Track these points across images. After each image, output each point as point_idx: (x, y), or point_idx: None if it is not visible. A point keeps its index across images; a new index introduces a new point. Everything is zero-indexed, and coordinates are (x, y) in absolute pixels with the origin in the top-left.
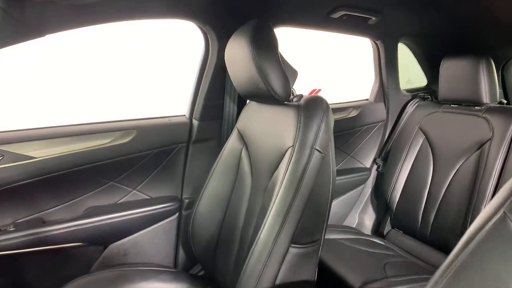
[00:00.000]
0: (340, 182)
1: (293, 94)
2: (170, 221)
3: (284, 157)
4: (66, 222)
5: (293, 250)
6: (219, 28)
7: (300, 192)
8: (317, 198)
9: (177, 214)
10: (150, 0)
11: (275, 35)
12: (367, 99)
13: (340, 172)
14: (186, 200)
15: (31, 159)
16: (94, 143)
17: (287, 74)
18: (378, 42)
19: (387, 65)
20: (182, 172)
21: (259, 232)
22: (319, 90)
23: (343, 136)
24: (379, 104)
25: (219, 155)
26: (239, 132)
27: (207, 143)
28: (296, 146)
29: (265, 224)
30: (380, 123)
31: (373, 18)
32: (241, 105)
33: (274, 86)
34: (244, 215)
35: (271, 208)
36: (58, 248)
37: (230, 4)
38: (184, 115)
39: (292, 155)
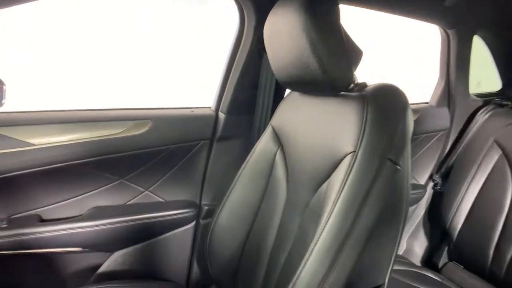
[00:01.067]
0: None
1: (354, 81)
2: (185, 230)
3: (340, 167)
4: (66, 223)
5: None
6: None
7: (363, 217)
8: (385, 227)
9: (193, 223)
10: None
11: (336, 7)
12: (427, 103)
13: None
14: (206, 207)
15: (30, 146)
16: (103, 132)
17: (349, 54)
18: (451, 32)
19: (458, 62)
20: (202, 173)
21: (298, 271)
22: None
23: None
24: (442, 109)
25: (248, 157)
26: (274, 130)
27: (234, 141)
28: (360, 153)
29: (307, 260)
30: (442, 132)
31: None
32: (278, 97)
33: (333, 69)
34: (275, 236)
35: (318, 238)
36: (55, 252)
37: None
38: (210, 107)
39: (353, 165)
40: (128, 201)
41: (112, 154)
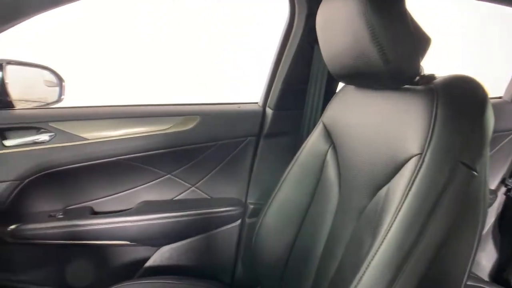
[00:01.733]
0: None
1: (420, 73)
2: (231, 228)
3: (402, 171)
4: (116, 216)
5: None
6: None
7: (430, 229)
8: (458, 239)
9: (239, 221)
10: None
11: None
12: (501, 97)
13: None
14: (251, 206)
15: (84, 140)
16: (153, 128)
17: (416, 41)
18: None
19: None
20: (249, 170)
21: (353, 285)
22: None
23: None
24: None
25: (297, 155)
26: (325, 126)
27: (282, 138)
28: (428, 155)
29: (363, 274)
30: None
31: None
32: (330, 91)
33: (397, 59)
34: (325, 241)
35: (376, 251)
36: (105, 244)
37: None
38: (257, 103)
39: (419, 169)
40: (175, 196)
41: (160, 149)
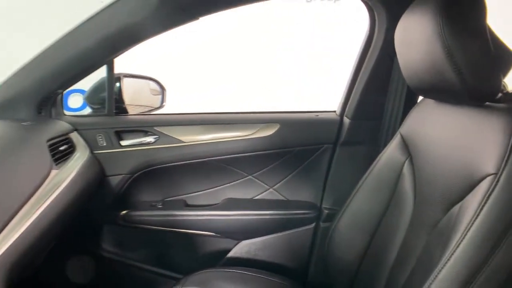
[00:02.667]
0: None
1: (502, 91)
2: (306, 231)
3: (477, 189)
4: (204, 209)
5: None
6: (393, 4)
7: (503, 250)
8: None
9: (313, 224)
10: None
11: (482, 4)
12: None
13: None
14: (326, 211)
15: (181, 143)
16: (238, 133)
17: (497, 59)
18: None
19: None
20: (324, 177)
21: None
22: None
23: None
24: None
25: (373, 165)
26: (403, 138)
27: (358, 147)
28: (503, 176)
29: (429, 286)
30: None
31: None
32: (409, 103)
33: (473, 77)
34: (397, 252)
35: (444, 265)
36: (195, 233)
37: None
38: (335, 111)
39: (493, 189)
40: (255, 196)
41: (243, 153)
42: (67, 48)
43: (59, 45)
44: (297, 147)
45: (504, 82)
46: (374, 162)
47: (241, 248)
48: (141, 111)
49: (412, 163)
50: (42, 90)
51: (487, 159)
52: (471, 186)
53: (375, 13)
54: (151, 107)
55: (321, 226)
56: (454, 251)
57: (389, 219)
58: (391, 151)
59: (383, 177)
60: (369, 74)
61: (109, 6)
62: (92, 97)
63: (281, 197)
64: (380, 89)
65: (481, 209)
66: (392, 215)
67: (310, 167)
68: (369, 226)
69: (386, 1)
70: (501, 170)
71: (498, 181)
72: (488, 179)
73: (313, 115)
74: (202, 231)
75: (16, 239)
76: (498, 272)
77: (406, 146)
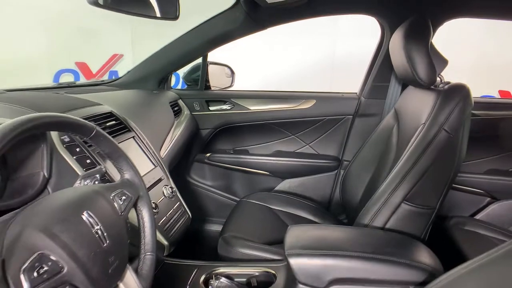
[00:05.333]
0: None
1: (441, 81)
2: (329, 175)
3: (416, 132)
4: (261, 156)
5: (405, 206)
6: (394, 21)
7: (419, 162)
8: (436, 173)
9: (336, 171)
10: (343, 0)
11: (427, 30)
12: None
13: None
14: (345, 162)
15: (248, 110)
16: (286, 105)
17: (436, 63)
18: None
19: None
20: (345, 138)
21: (382, 183)
22: (508, 92)
23: None
24: None
25: (376, 129)
26: (396, 111)
27: (369, 118)
28: (427, 124)
29: (386, 179)
30: None
31: None
32: (403, 88)
33: (419, 72)
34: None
35: (395, 169)
36: (254, 172)
37: (405, 1)
38: (356, 93)
39: (422, 131)
40: (296, 150)
41: (289, 119)
42: (181, 45)
43: (176, 43)
44: (327, 116)
45: (441, 75)
46: (377, 127)
47: (284, 184)
48: (220, 88)
49: (398, 126)
50: (163, 72)
51: (423, 116)
52: (415, 131)
53: (384, 28)
54: (225, 85)
55: (341, 173)
56: (399, 163)
57: (381, 163)
58: (388, 119)
59: (381, 135)
60: (378, 67)
61: (210, 19)
62: (187, 78)
63: (313, 151)
64: (386, 78)
65: (414, 141)
66: (383, 160)
67: (335, 131)
68: (370, 167)
69: (391, 23)
70: (427, 120)
71: (424, 126)
72: (421, 126)
73: (339, 94)
74: (259, 170)
75: (169, 151)
76: (421, 168)
77: (397, 116)
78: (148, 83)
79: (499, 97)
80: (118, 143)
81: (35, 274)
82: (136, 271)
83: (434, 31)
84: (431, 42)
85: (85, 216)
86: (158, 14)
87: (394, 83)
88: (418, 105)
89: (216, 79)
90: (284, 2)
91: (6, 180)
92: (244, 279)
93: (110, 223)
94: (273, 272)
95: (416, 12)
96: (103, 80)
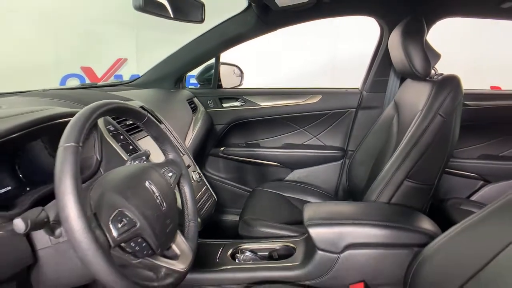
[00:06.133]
0: None
1: (435, 72)
2: (336, 165)
3: (415, 118)
4: (272, 149)
5: (407, 183)
6: (392, 21)
7: (419, 143)
8: (434, 152)
9: (341, 160)
10: (344, 2)
11: (422, 29)
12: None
13: None
14: (350, 152)
15: (259, 106)
16: (295, 101)
17: (430, 57)
18: None
19: None
20: (350, 130)
21: (385, 165)
22: (498, 87)
23: None
24: None
25: (377, 120)
26: (395, 102)
27: (371, 110)
28: (424, 110)
29: (389, 161)
30: None
31: None
32: (402, 82)
33: (416, 65)
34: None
35: (397, 151)
36: (265, 163)
37: (401, 1)
38: (358, 88)
39: (419, 117)
40: (304, 142)
41: (297, 113)
42: (196, 47)
43: (191, 45)
44: (332, 110)
45: (435, 68)
46: (378, 118)
47: (293, 174)
48: (230, 86)
49: (398, 116)
50: (179, 72)
51: (420, 104)
52: (413, 118)
53: (383, 28)
54: (235, 84)
55: (347, 162)
56: (401, 146)
57: (383, 150)
58: (388, 110)
59: (382, 127)
60: (379, 63)
61: (223, 23)
62: (200, 78)
63: (320, 143)
64: (385, 73)
65: (413, 126)
66: (385, 148)
67: (340, 124)
68: (373, 154)
69: (390, 22)
70: (424, 107)
71: (422, 113)
72: (419, 113)
73: (343, 90)
74: (270, 161)
75: (191, 143)
76: (420, 149)
77: (396, 107)
78: (165, 83)
79: None
80: (145, 136)
81: (119, 225)
82: (183, 235)
83: (428, 29)
84: (425, 39)
85: (147, 184)
86: (186, 18)
87: (393, 77)
88: (416, 95)
89: (227, 79)
90: (293, 5)
91: None
92: (266, 253)
93: (165, 192)
94: (293, 245)
95: (411, 13)
96: (121, 81)
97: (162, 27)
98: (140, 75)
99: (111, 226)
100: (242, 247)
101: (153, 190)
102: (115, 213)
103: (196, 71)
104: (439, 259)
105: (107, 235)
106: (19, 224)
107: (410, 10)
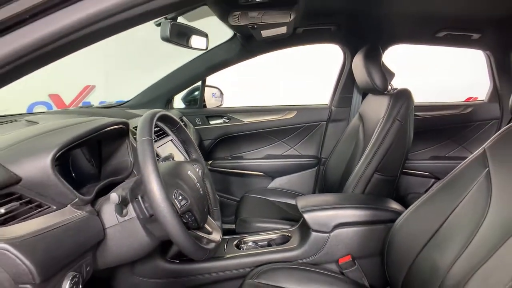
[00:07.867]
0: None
1: (391, 87)
2: (312, 171)
3: (377, 124)
4: (255, 159)
5: (376, 176)
6: (352, 48)
7: (384, 143)
8: (396, 149)
9: (316, 167)
10: (314, 33)
11: (378, 53)
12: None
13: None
14: (323, 159)
15: (242, 122)
16: (273, 117)
17: (386, 75)
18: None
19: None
20: (322, 140)
21: (356, 165)
22: (476, 98)
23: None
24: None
25: (345, 130)
26: (360, 114)
27: (339, 122)
28: (385, 117)
29: (359, 160)
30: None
31: (475, 35)
32: (364, 97)
33: (376, 82)
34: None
35: (365, 152)
36: (249, 173)
37: (359, 33)
38: (327, 104)
39: (382, 123)
40: (283, 153)
41: (275, 127)
42: (185, 71)
43: (181, 70)
44: (306, 123)
45: (391, 84)
46: (346, 128)
47: (275, 183)
48: (213, 106)
49: (363, 125)
50: (170, 93)
51: (382, 112)
52: (377, 124)
53: (345, 54)
54: (215, 105)
55: (321, 168)
56: (369, 147)
57: (352, 155)
58: (354, 121)
59: (350, 135)
60: (344, 82)
61: (210, 50)
62: (185, 99)
63: (297, 153)
64: (350, 90)
65: (378, 130)
66: (354, 152)
67: (313, 135)
68: (344, 159)
69: (351, 49)
70: (385, 114)
71: (384, 119)
72: (381, 119)
73: (314, 106)
74: (253, 171)
75: None
76: (384, 147)
77: (361, 117)
78: (157, 103)
79: None
80: (164, 143)
81: (180, 197)
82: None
83: (383, 53)
84: (382, 61)
85: (189, 173)
86: (194, 46)
87: (356, 94)
88: (377, 106)
89: (210, 99)
90: (274, 36)
91: (99, 167)
92: (265, 242)
93: (199, 180)
94: (288, 234)
95: (367, 42)
96: (112, 103)
97: (130, 53)
98: (107, 102)
99: (175, 200)
100: (244, 239)
101: (193, 178)
102: (175, 191)
103: (181, 94)
104: (406, 229)
105: (175, 205)
106: (114, 197)
107: (366, 39)
